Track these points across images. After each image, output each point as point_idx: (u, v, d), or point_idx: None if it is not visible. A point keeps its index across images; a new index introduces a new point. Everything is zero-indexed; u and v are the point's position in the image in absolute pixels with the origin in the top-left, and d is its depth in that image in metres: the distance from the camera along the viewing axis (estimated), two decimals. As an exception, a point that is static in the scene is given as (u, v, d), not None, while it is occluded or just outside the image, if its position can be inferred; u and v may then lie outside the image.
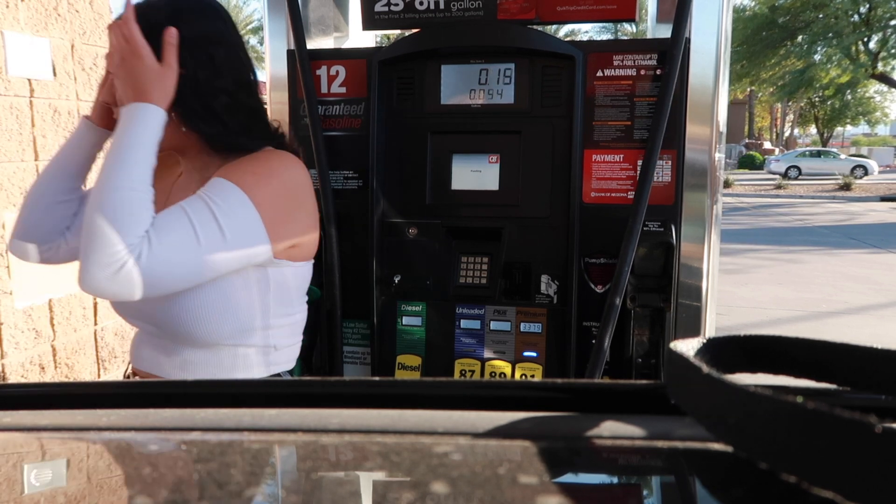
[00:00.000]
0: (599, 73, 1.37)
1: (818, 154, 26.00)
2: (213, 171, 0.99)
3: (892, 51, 19.74)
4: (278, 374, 1.09)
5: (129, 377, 1.12)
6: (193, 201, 0.91)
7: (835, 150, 30.38)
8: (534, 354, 1.45)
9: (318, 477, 0.34)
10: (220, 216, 0.91)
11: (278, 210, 0.99)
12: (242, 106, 1.01)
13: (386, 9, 1.46)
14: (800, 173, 24.27)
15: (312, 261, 1.11)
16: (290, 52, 1.50)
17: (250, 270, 0.98)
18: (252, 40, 39.18)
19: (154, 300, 0.93)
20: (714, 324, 1.44)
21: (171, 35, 0.94)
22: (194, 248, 0.89)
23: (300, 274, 1.07)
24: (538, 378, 1.45)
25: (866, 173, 23.98)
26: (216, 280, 0.95)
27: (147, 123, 0.92)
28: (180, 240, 0.88)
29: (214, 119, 0.98)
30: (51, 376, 1.93)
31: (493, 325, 1.47)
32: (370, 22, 1.49)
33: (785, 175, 24.19)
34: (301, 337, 1.14)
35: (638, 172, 1.36)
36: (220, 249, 0.91)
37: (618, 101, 1.37)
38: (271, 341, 1.05)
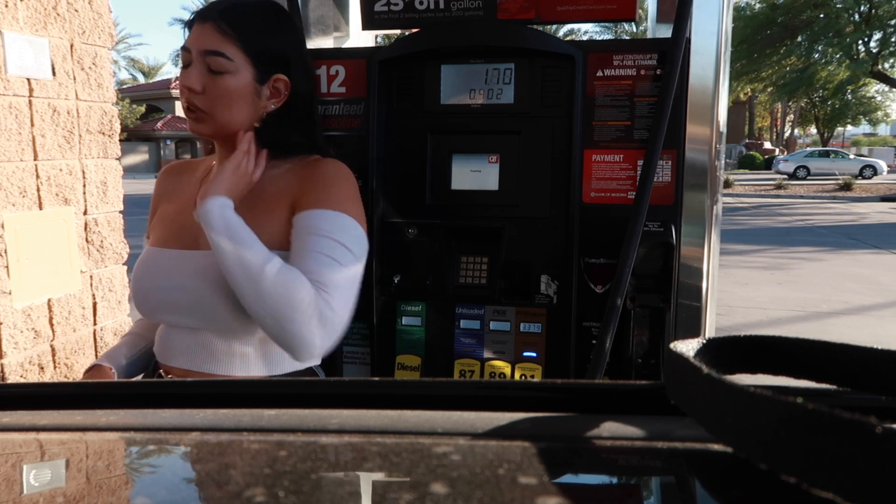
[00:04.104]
0: (599, 73, 1.37)
1: (827, 154, 25.83)
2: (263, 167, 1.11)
3: (892, 49, 19.74)
4: (310, 368, 1.14)
5: (160, 377, 1.13)
6: (325, 243, 1.00)
7: (844, 150, 30.19)
8: (533, 354, 1.45)
9: (317, 477, 0.34)
10: (350, 246, 1.02)
11: (364, 219, 1.10)
12: (318, 114, 1.16)
13: (386, 8, 1.46)
14: (808, 173, 24.04)
15: None
16: (289, 52, 1.50)
17: None
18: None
19: (219, 297, 0.99)
20: (714, 324, 1.44)
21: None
22: (350, 278, 1.02)
23: None
24: (538, 378, 1.45)
25: (875, 173, 23.85)
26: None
27: (228, 218, 0.99)
28: (340, 277, 1.00)
29: (308, 127, 1.11)
30: (50, 376, 1.93)
31: (493, 326, 1.47)
32: (370, 21, 1.49)
33: (793, 175, 24.04)
34: None
35: (638, 172, 1.36)
36: (359, 269, 1.04)
37: (618, 101, 1.37)
38: None
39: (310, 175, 1.07)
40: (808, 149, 30.16)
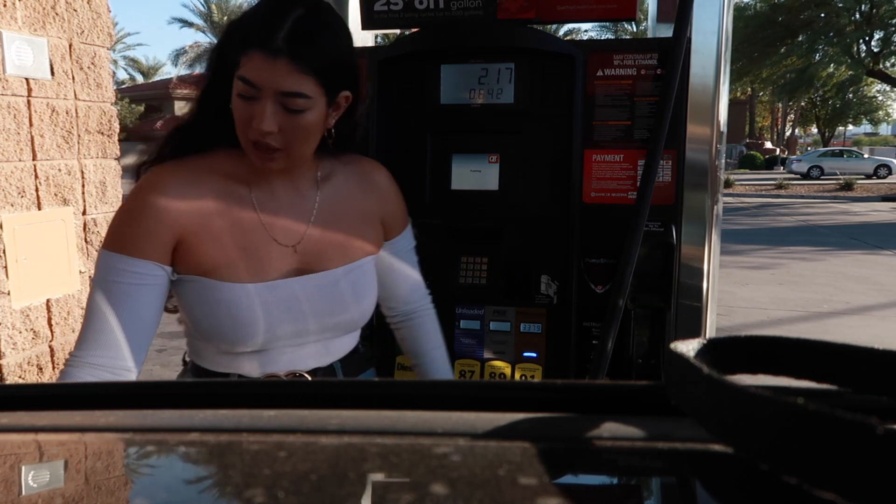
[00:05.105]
0: (599, 73, 1.37)
1: (840, 153, 25.64)
2: (313, 172, 1.06)
3: (893, 47, 19.75)
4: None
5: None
6: (414, 254, 1.22)
7: (857, 149, 29.92)
8: (534, 355, 1.45)
9: (317, 478, 0.34)
10: None
11: None
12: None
13: (385, 8, 1.46)
14: (822, 173, 23.77)
15: None
16: (289, 52, 1.50)
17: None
18: (252, 40, 39.29)
19: (362, 306, 1.08)
20: (714, 324, 1.44)
21: None
22: None
23: None
24: (538, 379, 1.45)
25: (890, 172, 23.61)
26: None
27: None
28: None
29: (355, 125, 1.08)
30: (49, 377, 1.93)
31: (493, 326, 1.47)
32: (369, 21, 1.49)
33: (807, 175, 23.88)
34: None
35: (638, 172, 1.36)
36: None
37: (618, 101, 1.37)
38: None
39: (377, 184, 1.14)
40: (822, 148, 29.99)
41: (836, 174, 22.97)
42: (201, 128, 1.00)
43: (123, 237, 0.94)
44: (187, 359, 1.10)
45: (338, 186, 1.08)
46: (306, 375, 1.05)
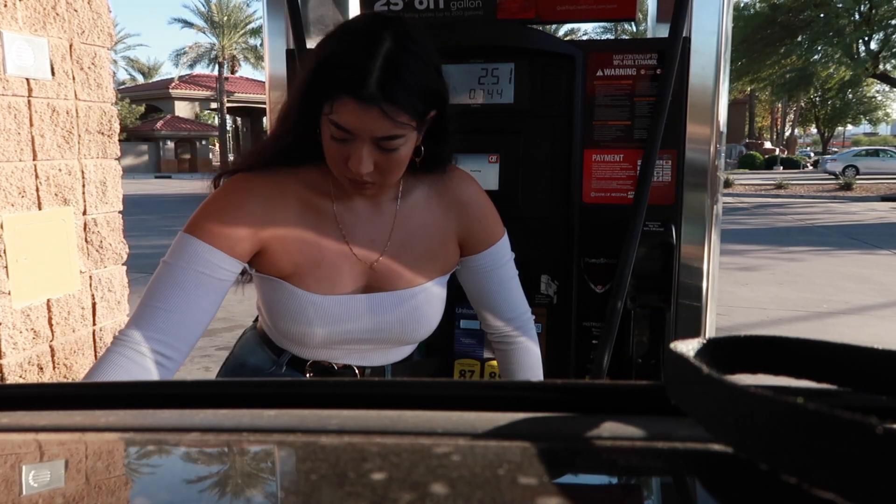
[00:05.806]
0: (599, 73, 1.37)
1: (876, 153, 25.69)
2: (396, 188, 1.05)
3: (894, 49, 19.75)
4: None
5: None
6: (510, 268, 1.16)
7: (892, 149, 29.80)
8: (534, 354, 1.45)
9: (317, 478, 0.34)
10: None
11: None
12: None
13: (385, 8, 1.46)
14: (857, 173, 23.63)
15: None
16: (289, 52, 1.50)
17: None
18: (252, 40, 39.30)
19: (421, 325, 1.09)
20: (714, 324, 1.44)
21: None
22: None
23: None
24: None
25: (926, 172, 23.71)
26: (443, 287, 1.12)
27: None
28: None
29: (444, 138, 1.03)
30: (49, 377, 1.93)
31: (493, 325, 1.46)
32: (370, 22, 1.49)
33: (842, 175, 23.83)
34: None
35: (638, 172, 1.36)
36: None
37: (618, 100, 1.37)
38: None
39: (459, 201, 1.09)
40: (856, 148, 30.01)
41: (871, 173, 22.69)
42: (288, 148, 1.00)
43: (209, 225, 0.96)
44: (258, 321, 1.17)
45: (417, 204, 1.07)
46: (356, 370, 1.10)
